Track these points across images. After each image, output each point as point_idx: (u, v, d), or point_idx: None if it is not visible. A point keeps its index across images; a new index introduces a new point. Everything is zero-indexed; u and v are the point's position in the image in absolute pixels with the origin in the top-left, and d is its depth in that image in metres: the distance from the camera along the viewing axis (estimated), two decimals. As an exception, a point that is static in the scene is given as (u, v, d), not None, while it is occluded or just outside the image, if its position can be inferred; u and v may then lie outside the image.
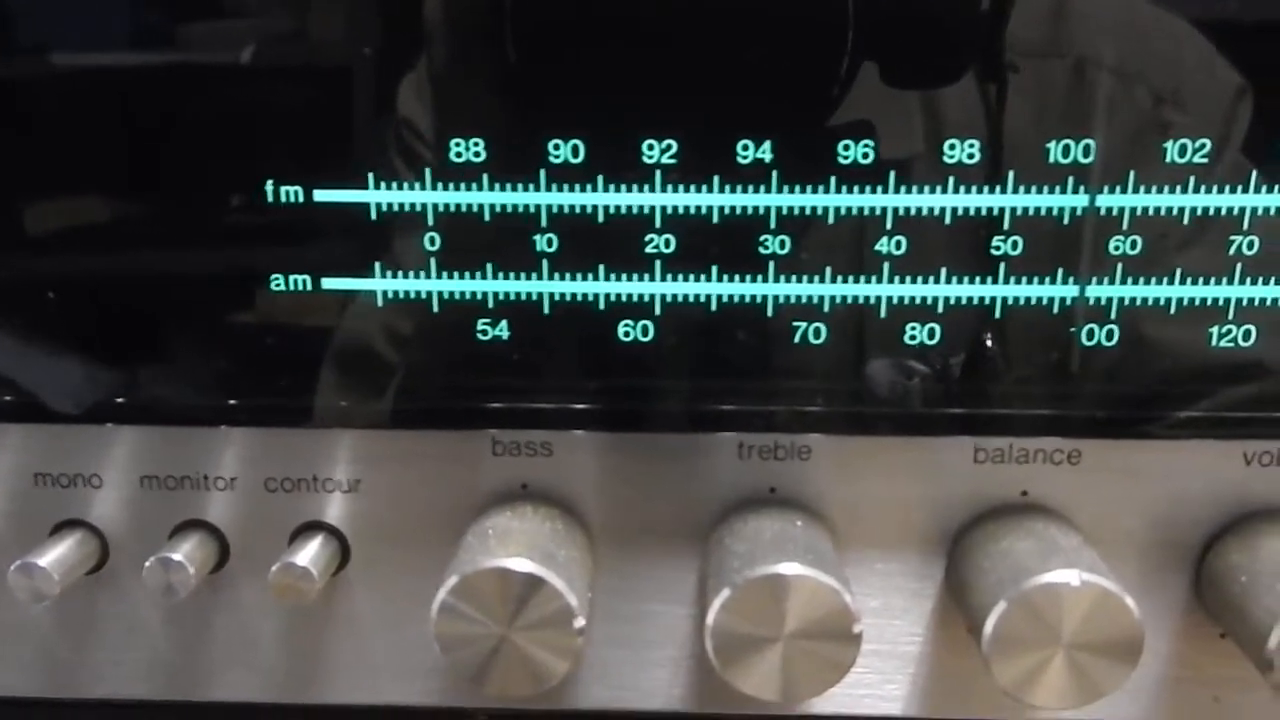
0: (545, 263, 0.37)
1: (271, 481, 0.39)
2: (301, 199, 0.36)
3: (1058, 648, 0.33)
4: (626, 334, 0.37)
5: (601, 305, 0.37)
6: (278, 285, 0.37)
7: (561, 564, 0.34)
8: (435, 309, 0.37)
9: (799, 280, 0.36)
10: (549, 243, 0.36)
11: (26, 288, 0.38)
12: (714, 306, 0.37)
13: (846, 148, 0.35)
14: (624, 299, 0.37)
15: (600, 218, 0.36)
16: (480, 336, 0.37)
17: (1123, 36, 0.34)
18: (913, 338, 0.37)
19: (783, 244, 0.36)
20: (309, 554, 0.37)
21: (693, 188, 0.36)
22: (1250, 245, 0.36)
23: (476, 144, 0.35)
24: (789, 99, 0.35)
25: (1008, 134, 0.35)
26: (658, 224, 0.36)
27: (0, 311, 0.38)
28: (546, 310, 0.37)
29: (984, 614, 0.33)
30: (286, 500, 0.39)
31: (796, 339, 0.37)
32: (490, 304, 0.37)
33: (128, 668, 0.42)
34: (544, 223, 0.36)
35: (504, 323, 0.37)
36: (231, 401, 0.38)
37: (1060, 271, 0.36)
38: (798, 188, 0.35)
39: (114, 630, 0.41)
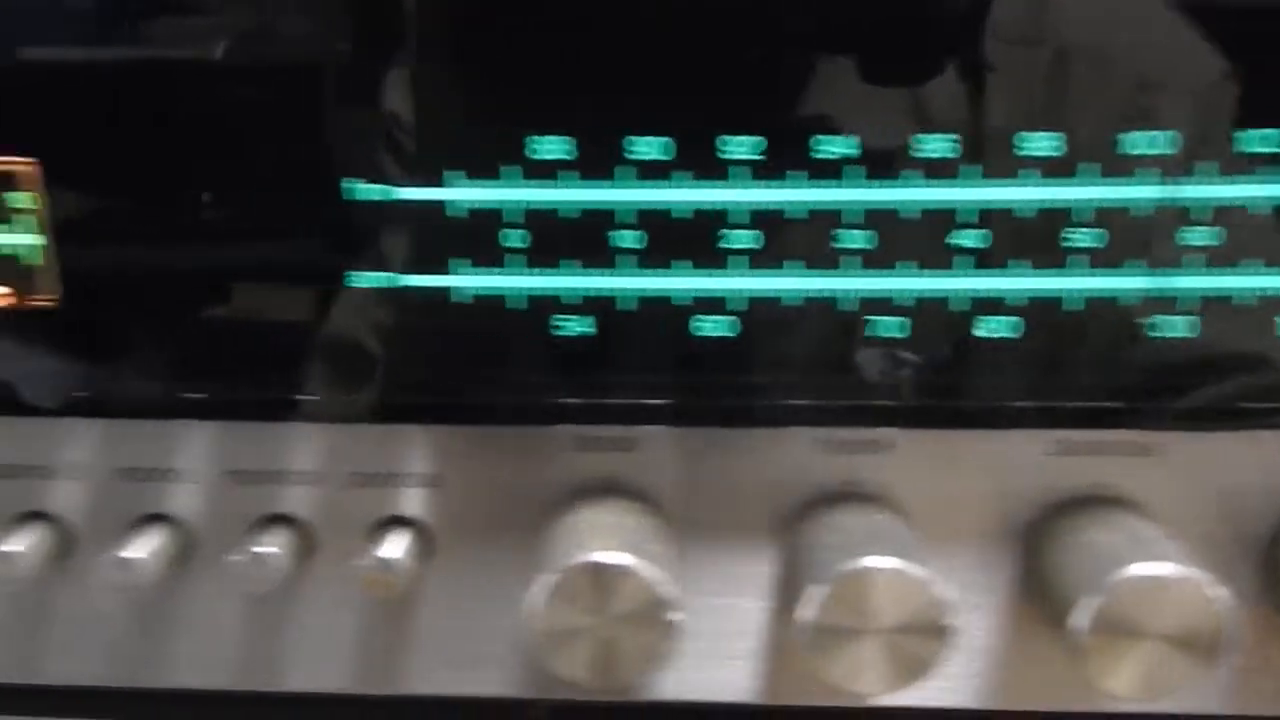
0: (626, 259, 0.37)
1: (357, 476, 0.39)
2: (383, 197, 0.37)
3: (1147, 638, 0.34)
4: (705, 329, 0.37)
5: (681, 301, 0.37)
6: (357, 282, 0.37)
7: (654, 557, 0.34)
8: (515, 305, 0.38)
9: (877, 275, 0.37)
10: (630, 239, 0.37)
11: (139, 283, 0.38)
12: (794, 301, 0.37)
13: (925, 143, 0.35)
14: (703, 294, 0.37)
15: (681, 214, 0.36)
16: (560, 332, 0.38)
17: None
18: (991, 330, 0.37)
19: (862, 239, 0.36)
20: (398, 548, 0.37)
21: (773, 183, 0.36)
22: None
23: (560, 142, 0.36)
24: (869, 97, 0.36)
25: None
26: (737, 220, 0.36)
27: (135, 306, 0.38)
28: (627, 306, 0.37)
29: (1070, 605, 0.34)
30: (370, 495, 0.40)
31: (873, 333, 0.37)
32: (570, 300, 0.38)
33: (205, 659, 0.42)
34: (625, 219, 0.37)
35: (584, 319, 0.38)
36: (316, 397, 0.39)
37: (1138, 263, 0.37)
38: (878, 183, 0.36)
39: (191, 621, 0.42)
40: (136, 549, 0.37)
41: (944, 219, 0.36)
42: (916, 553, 0.34)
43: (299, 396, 0.38)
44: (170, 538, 0.39)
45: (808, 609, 0.33)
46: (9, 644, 0.43)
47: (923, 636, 0.33)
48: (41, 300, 0.38)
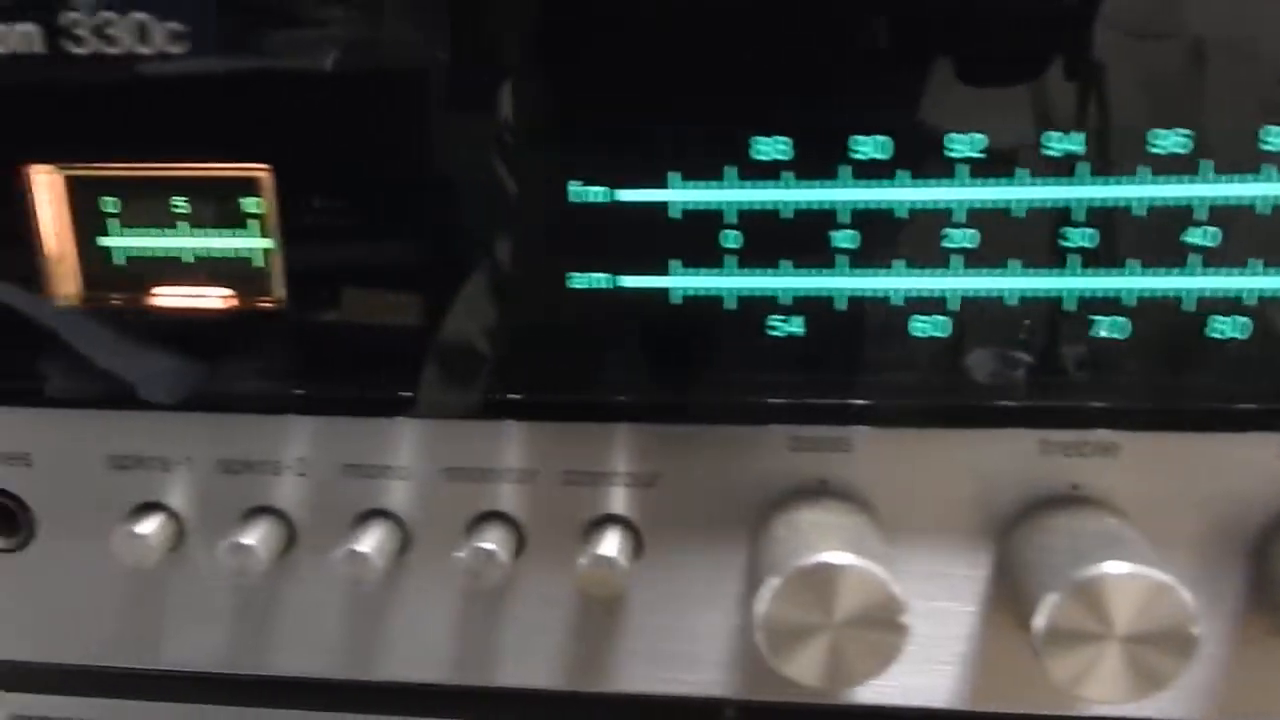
0: (843, 259, 0.37)
1: (570, 475, 0.40)
2: (605, 199, 0.37)
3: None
4: (921, 330, 0.37)
5: (897, 301, 0.37)
6: (578, 283, 0.38)
7: (881, 558, 0.34)
8: (731, 306, 0.38)
9: (1100, 274, 0.36)
10: (847, 239, 0.37)
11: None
12: (1013, 301, 0.37)
13: (1159, 138, 0.35)
14: (920, 294, 0.37)
15: (900, 213, 0.36)
16: (775, 333, 0.38)
17: None
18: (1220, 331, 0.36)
19: (1088, 237, 0.36)
20: (613, 545, 0.38)
21: (996, 181, 0.36)
22: None
23: (781, 142, 0.36)
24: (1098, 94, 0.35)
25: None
26: (958, 219, 0.36)
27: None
28: (843, 306, 0.37)
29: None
30: (583, 494, 0.40)
31: (1093, 333, 0.37)
32: (786, 300, 0.38)
33: (416, 654, 0.43)
34: (842, 219, 0.37)
35: (799, 319, 0.38)
36: (525, 396, 0.39)
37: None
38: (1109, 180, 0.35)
39: (402, 618, 0.43)
40: (364, 543, 0.39)
41: (1175, 216, 0.35)
42: (1154, 559, 0.34)
43: (514, 396, 0.39)
44: (388, 534, 0.40)
45: (1044, 615, 0.33)
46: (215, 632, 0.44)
47: (1165, 646, 0.33)
48: (266, 302, 0.40)
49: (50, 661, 0.45)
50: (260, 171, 0.38)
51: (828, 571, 0.33)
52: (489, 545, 0.38)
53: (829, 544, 0.34)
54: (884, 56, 0.35)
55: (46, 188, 0.39)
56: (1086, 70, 0.35)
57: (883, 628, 0.34)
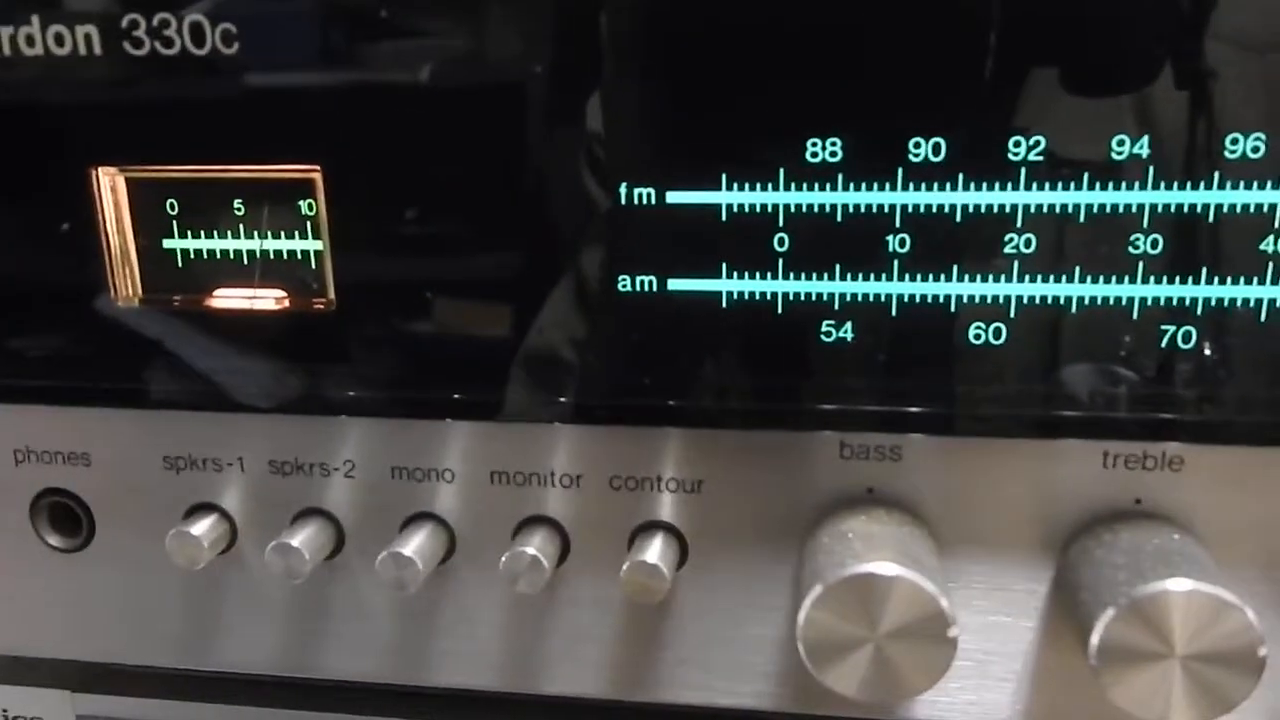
0: (896, 263, 0.36)
1: (616, 480, 0.40)
2: (654, 200, 0.37)
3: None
4: (978, 336, 0.36)
5: (952, 307, 0.36)
6: (625, 286, 0.38)
7: (931, 570, 0.33)
8: (783, 310, 0.37)
9: (1170, 282, 0.35)
10: (901, 243, 0.36)
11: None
12: (1072, 309, 0.36)
13: (1235, 142, 0.34)
14: (977, 300, 0.36)
15: (958, 217, 0.35)
16: (824, 338, 0.37)
17: None
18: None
19: (1154, 244, 0.35)
20: (655, 552, 0.37)
21: (1060, 185, 0.35)
22: None
23: (837, 143, 0.35)
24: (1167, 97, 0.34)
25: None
26: (1019, 223, 0.35)
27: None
28: (897, 312, 0.37)
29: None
30: (628, 499, 0.40)
31: (1165, 343, 0.35)
32: (837, 305, 0.37)
33: (465, 658, 0.43)
34: (898, 223, 0.36)
35: (852, 325, 0.37)
36: (579, 401, 0.39)
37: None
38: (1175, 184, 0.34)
39: (454, 620, 0.43)
40: (408, 547, 0.39)
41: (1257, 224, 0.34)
42: (1218, 576, 0.32)
43: (560, 399, 0.39)
44: (434, 538, 0.40)
45: (1099, 632, 0.32)
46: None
47: (1231, 667, 0.31)
48: (319, 304, 0.40)
49: (112, 662, 0.46)
50: (312, 173, 0.38)
51: (872, 581, 0.33)
52: (532, 550, 0.38)
53: (875, 554, 0.33)
54: (942, 56, 0.35)
55: (110, 189, 0.40)
56: (1154, 72, 0.34)
57: (930, 641, 0.33)
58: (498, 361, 0.39)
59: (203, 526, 0.41)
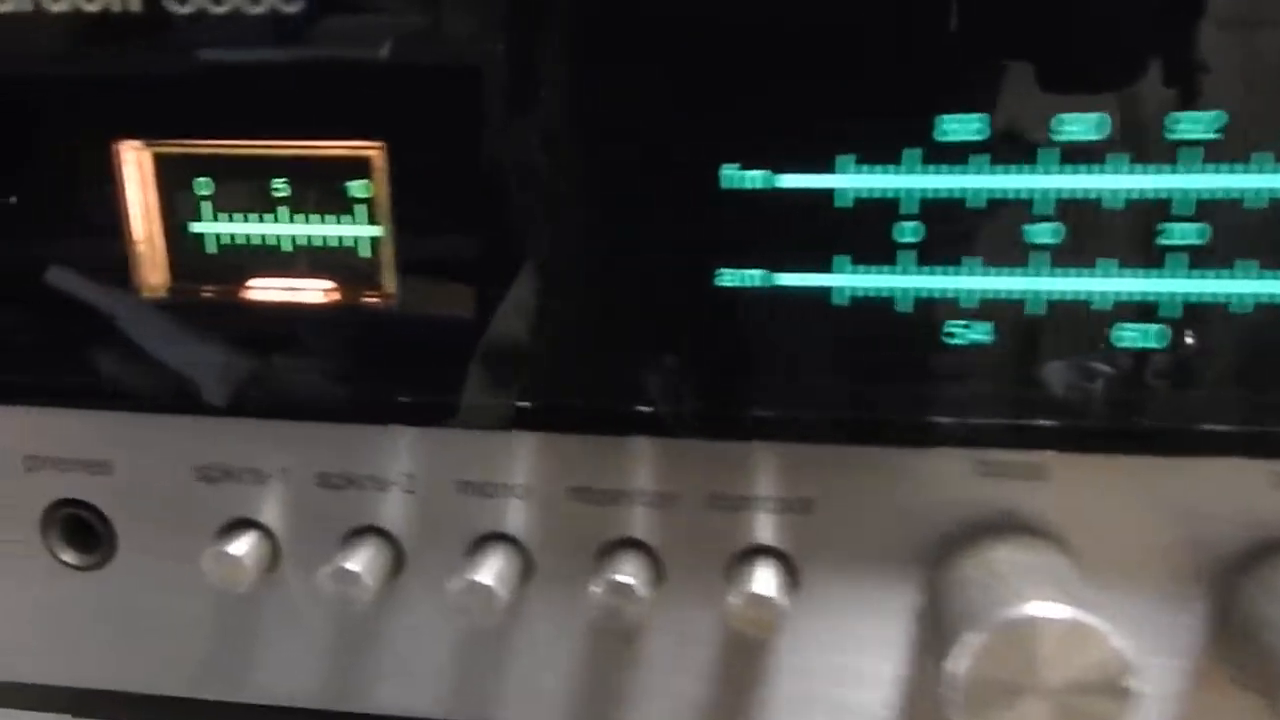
0: (1039, 255, 0.32)
1: (715, 499, 0.36)
2: (763, 185, 0.33)
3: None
4: (1130, 340, 0.32)
5: (1102, 305, 0.32)
6: (728, 280, 0.34)
7: (1096, 609, 0.29)
8: (904, 309, 0.33)
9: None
10: (1046, 233, 0.32)
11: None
12: (1247, 309, 0.32)
13: None
14: (1132, 298, 0.32)
15: (1111, 204, 0.31)
16: (954, 340, 0.33)
17: None
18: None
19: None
20: (769, 582, 0.33)
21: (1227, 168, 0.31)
22: None
23: (974, 121, 0.31)
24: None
25: None
26: (1180, 211, 0.31)
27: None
28: (1036, 311, 0.32)
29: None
30: (729, 520, 0.36)
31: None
32: (970, 303, 0.33)
33: (538, 693, 0.39)
34: (1043, 210, 0.32)
35: (984, 325, 0.33)
36: (662, 409, 0.35)
37: None
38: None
39: (530, 654, 0.39)
40: (484, 574, 0.35)
41: None
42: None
43: (646, 408, 0.35)
44: (511, 560, 0.36)
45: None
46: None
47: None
48: (372, 297, 0.36)
49: (129, 690, 0.42)
50: (373, 150, 0.34)
51: (1041, 626, 0.29)
52: (626, 578, 0.33)
53: (1036, 591, 0.29)
54: (1095, 20, 0.31)
55: (134, 166, 0.36)
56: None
57: (1105, 694, 0.29)
58: (570, 367, 0.35)
59: (244, 545, 0.37)
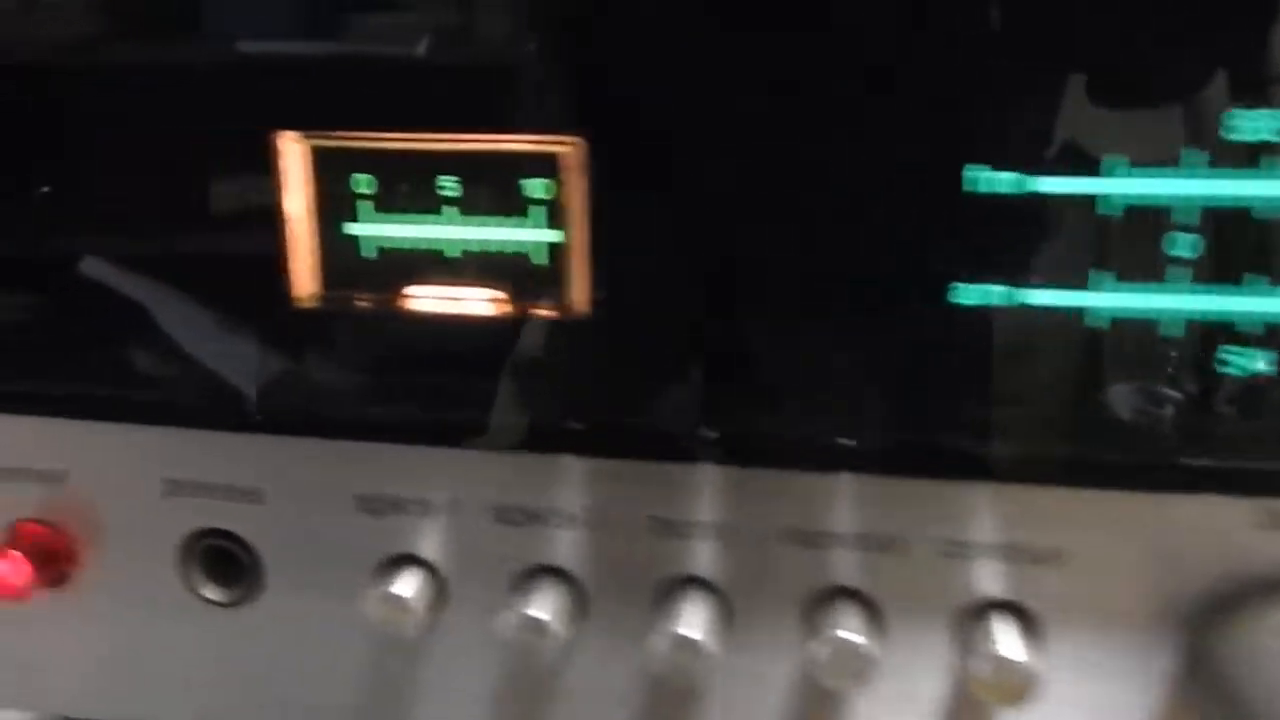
0: (1337, 274, 0.28)
1: (950, 545, 0.32)
2: (1014, 189, 0.29)
3: None
4: None
5: None
6: (965, 297, 0.30)
7: None
8: (1172, 332, 0.29)
9: None
10: (1349, 248, 0.28)
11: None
12: None
13: None
14: None
15: None
16: (1227, 369, 0.29)
17: None
18: None
19: None
20: (1015, 644, 0.29)
21: None
22: None
23: (1269, 118, 0.27)
24: None
25: None
26: None
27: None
28: (1340, 339, 0.28)
29: None
30: (957, 568, 0.32)
31: None
32: (1248, 327, 0.29)
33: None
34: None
35: (1267, 353, 0.29)
36: (871, 443, 0.31)
37: None
38: None
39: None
40: (689, 625, 0.31)
41: None
42: None
43: (848, 441, 0.31)
44: (713, 608, 0.32)
45: None
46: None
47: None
48: (548, 310, 0.32)
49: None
50: (566, 146, 0.31)
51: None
52: (847, 634, 0.30)
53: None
54: None
55: (295, 159, 0.32)
56: None
57: None
58: (764, 387, 0.31)
59: (410, 584, 0.33)
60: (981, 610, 0.31)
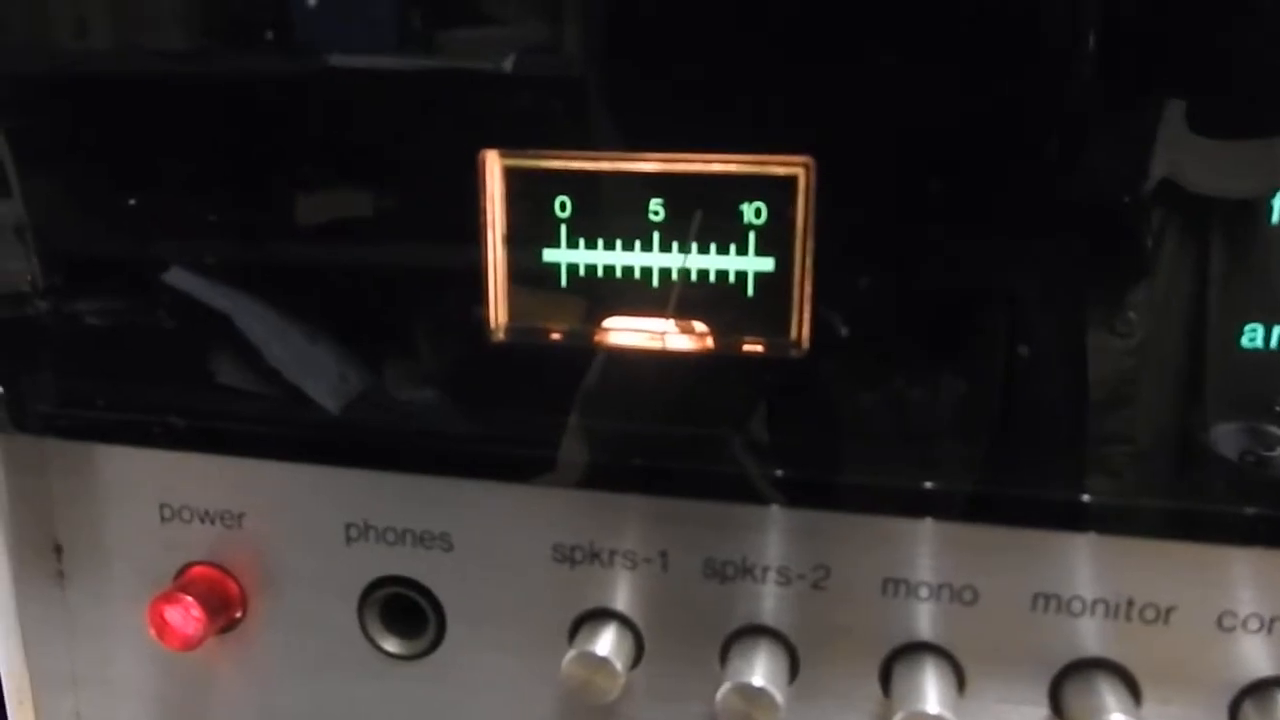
0: None
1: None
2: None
3: None
4: None
5: None
6: (1249, 340, 0.26)
7: None
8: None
9: None
10: None
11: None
12: None
13: None
14: None
15: None
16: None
17: None
18: None
19: None
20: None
21: None
22: None
23: None
24: None
25: None
26: None
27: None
28: None
29: None
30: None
31: None
32: None
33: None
34: None
35: None
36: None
37: None
38: None
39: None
40: (929, 702, 0.28)
41: None
42: None
43: (1086, 498, 0.28)
44: (947, 678, 0.29)
45: None
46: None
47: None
48: (754, 344, 0.29)
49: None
50: (794, 167, 0.28)
51: None
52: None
53: None
54: None
55: (495, 179, 0.30)
56: None
57: None
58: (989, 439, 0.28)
59: (608, 643, 0.31)
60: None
